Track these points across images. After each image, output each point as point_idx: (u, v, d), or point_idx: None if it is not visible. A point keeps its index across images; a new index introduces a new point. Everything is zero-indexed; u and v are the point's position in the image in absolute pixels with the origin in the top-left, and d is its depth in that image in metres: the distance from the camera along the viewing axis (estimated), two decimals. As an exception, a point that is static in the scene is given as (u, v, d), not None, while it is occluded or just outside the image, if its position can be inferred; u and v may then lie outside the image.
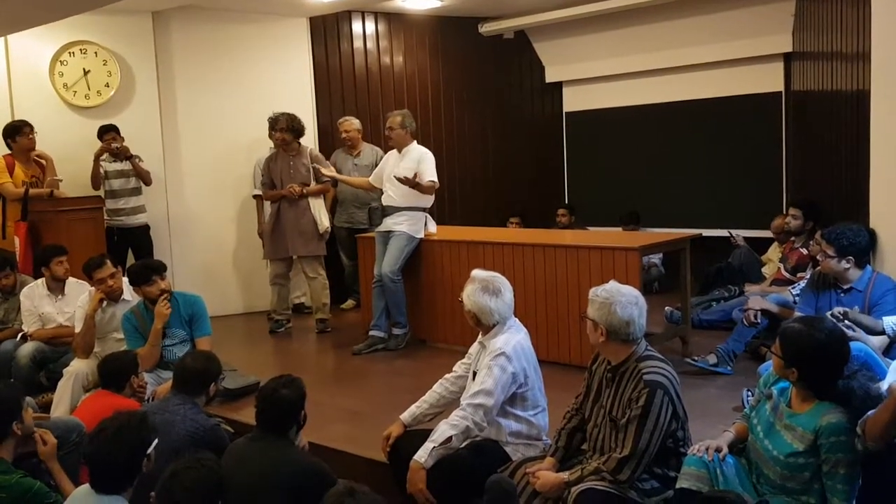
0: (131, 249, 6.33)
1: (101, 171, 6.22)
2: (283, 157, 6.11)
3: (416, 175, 5.33)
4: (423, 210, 5.57)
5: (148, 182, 6.37)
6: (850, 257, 3.81)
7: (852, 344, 2.74)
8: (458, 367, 3.41)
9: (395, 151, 5.60)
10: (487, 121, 8.23)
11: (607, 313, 2.75)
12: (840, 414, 2.48)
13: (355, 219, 6.67)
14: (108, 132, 6.20)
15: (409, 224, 5.47)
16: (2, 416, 3.01)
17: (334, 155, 6.79)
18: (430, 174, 5.43)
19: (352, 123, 6.71)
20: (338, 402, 4.46)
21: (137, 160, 6.27)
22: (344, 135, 6.68)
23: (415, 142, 5.56)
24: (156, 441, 2.77)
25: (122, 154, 6.19)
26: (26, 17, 5.26)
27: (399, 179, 5.32)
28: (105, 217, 6.13)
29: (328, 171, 6.00)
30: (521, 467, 2.94)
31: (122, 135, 6.23)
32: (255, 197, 6.80)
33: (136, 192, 6.35)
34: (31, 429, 3.12)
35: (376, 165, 6.60)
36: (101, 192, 6.22)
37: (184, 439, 3.24)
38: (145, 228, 6.45)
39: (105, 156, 6.20)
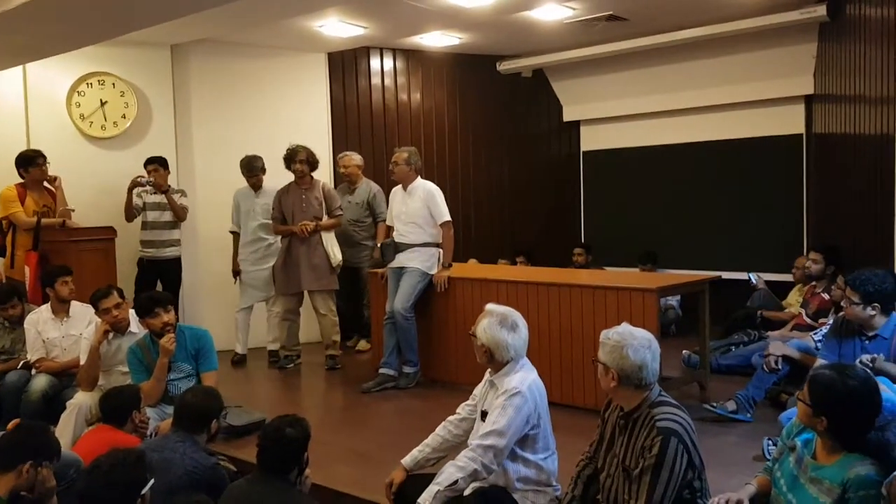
0: (160, 281, 6.28)
1: (141, 202, 6.21)
2: (296, 190, 6.06)
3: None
4: (436, 246, 5.50)
5: (181, 217, 6.33)
6: (876, 304, 3.70)
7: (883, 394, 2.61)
8: (462, 410, 3.29)
9: (400, 188, 5.57)
10: (504, 159, 8.20)
11: (619, 357, 2.63)
12: (870, 466, 2.35)
13: (346, 256, 6.31)
14: (150, 163, 6.22)
15: (422, 260, 5.42)
16: (20, 451, 2.81)
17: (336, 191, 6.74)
18: (443, 215, 5.42)
19: (351, 159, 6.63)
20: (344, 441, 4.35)
21: (180, 195, 6.28)
22: (342, 170, 6.61)
23: (419, 177, 5.52)
24: (151, 481, 2.66)
25: (158, 188, 6.18)
26: (43, 46, 5.31)
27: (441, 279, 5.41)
28: (139, 248, 6.20)
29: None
30: (530, 517, 2.81)
31: (167, 168, 6.27)
32: (232, 233, 6.56)
33: (170, 225, 6.33)
34: (41, 486, 2.81)
35: (367, 203, 6.50)
36: (135, 222, 6.24)
37: (182, 478, 3.14)
38: (176, 261, 6.41)
39: (147, 188, 6.20)
